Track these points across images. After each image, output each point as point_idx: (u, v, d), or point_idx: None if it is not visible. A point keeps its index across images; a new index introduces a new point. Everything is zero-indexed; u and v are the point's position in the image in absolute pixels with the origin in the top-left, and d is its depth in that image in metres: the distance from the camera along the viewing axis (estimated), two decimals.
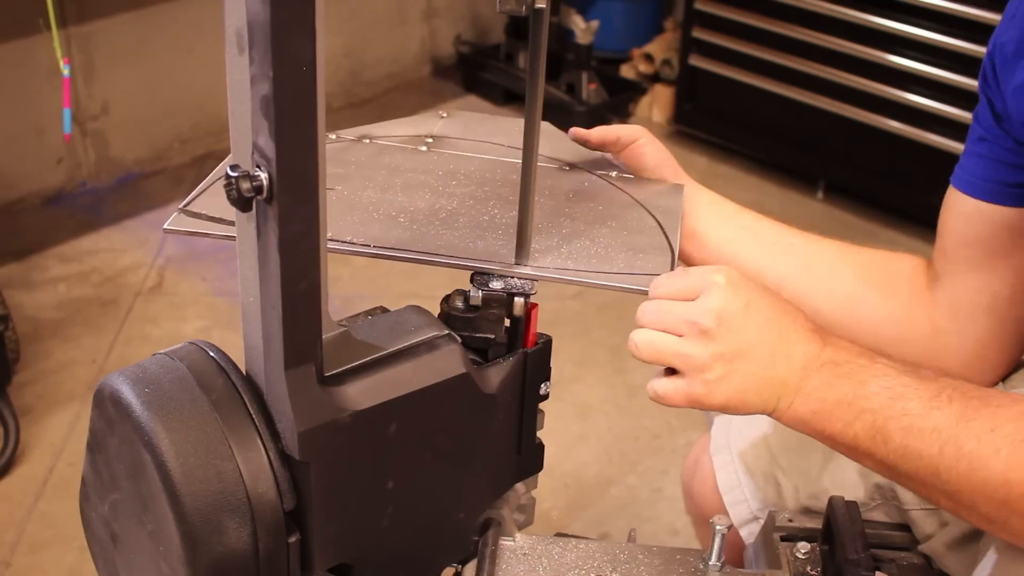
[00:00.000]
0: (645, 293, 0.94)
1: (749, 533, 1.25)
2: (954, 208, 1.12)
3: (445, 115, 1.30)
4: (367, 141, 1.23)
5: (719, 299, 0.88)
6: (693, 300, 0.89)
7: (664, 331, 0.90)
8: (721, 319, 0.87)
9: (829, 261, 1.14)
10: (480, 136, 1.24)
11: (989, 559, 1.01)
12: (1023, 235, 1.06)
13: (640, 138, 1.17)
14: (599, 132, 1.18)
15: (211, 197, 1.05)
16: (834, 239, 1.17)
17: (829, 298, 1.12)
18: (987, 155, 1.07)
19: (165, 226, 1.00)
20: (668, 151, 1.19)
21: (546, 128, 1.14)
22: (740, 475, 1.27)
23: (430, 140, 1.23)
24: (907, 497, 1.15)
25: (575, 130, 1.19)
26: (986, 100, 1.06)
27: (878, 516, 1.18)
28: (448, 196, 1.09)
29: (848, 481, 1.19)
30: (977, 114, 1.08)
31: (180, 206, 1.04)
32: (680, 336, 0.89)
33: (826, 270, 1.13)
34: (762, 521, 1.24)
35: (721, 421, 1.35)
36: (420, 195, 1.09)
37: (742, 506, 1.26)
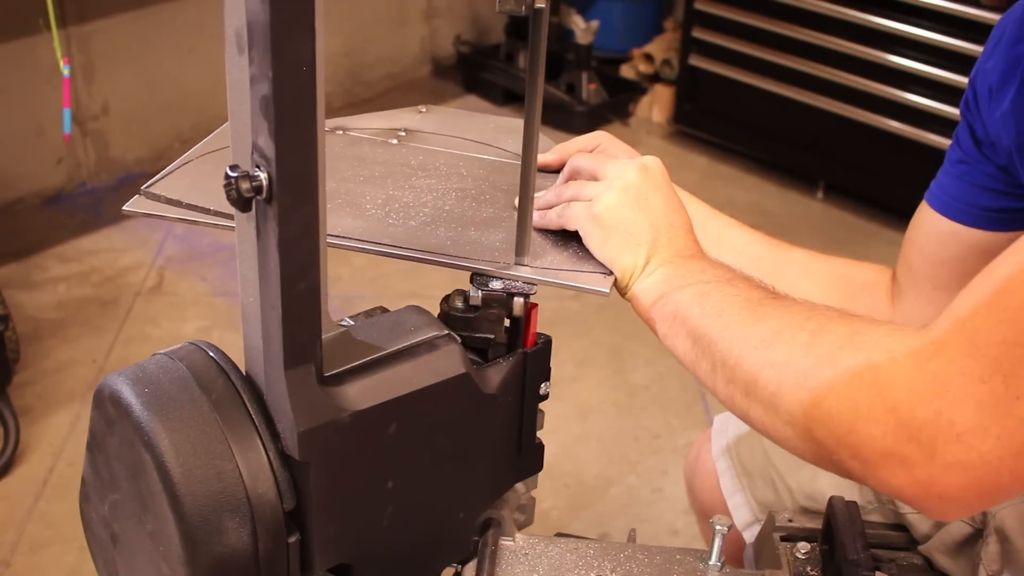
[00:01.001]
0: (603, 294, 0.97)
1: (752, 535, 1.25)
2: (926, 226, 1.11)
3: (424, 110, 1.30)
4: (340, 132, 1.23)
5: (615, 196, 0.97)
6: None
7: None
8: (612, 209, 0.97)
9: (795, 273, 1.14)
10: (454, 132, 1.24)
11: (987, 560, 1.01)
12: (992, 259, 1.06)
13: (599, 143, 1.13)
14: (557, 153, 1.14)
15: (174, 180, 1.08)
16: (802, 247, 1.16)
17: None
18: (966, 178, 1.06)
19: (124, 207, 1.03)
20: (632, 152, 1.14)
21: (516, 125, 1.13)
22: (742, 478, 1.27)
23: (403, 134, 1.23)
24: None
25: (540, 159, 1.15)
26: (967, 125, 1.05)
27: (876, 519, 1.18)
28: (411, 189, 1.10)
29: (845, 483, 1.19)
30: (957, 136, 1.08)
31: (142, 187, 1.07)
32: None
33: (791, 282, 1.10)
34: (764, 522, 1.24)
35: (720, 422, 1.35)
36: (381, 187, 1.10)
37: (744, 509, 1.27)
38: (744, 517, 1.26)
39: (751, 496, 1.26)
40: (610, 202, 0.97)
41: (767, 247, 1.15)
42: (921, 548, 1.14)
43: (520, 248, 0.97)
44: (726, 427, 1.34)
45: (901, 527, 1.17)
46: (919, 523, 1.14)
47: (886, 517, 1.18)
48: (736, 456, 1.29)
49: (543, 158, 1.14)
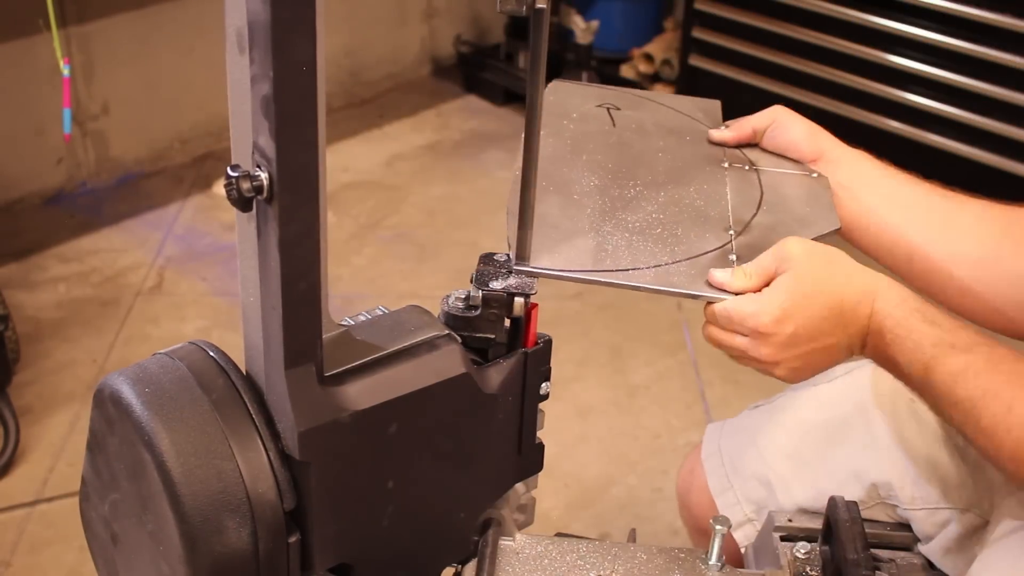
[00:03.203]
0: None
1: (744, 536, 1.24)
2: None
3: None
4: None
5: (781, 350, 0.95)
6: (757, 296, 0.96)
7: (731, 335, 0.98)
8: (779, 320, 0.94)
9: (970, 221, 1.12)
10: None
11: (987, 561, 1.01)
12: None
13: (775, 119, 1.17)
14: (735, 131, 1.18)
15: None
16: (979, 199, 1.15)
17: (963, 261, 1.10)
18: None
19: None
20: (805, 124, 1.18)
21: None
22: (731, 478, 1.26)
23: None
24: (903, 496, 1.15)
25: (713, 134, 1.19)
26: None
27: (875, 515, 1.18)
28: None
29: (844, 481, 1.19)
30: None
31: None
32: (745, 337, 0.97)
33: (964, 229, 1.11)
34: (756, 523, 1.24)
35: (713, 425, 1.35)
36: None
37: (735, 508, 1.25)
38: (735, 517, 1.25)
39: (741, 496, 1.25)
40: (786, 359, 0.96)
41: (940, 199, 1.13)
42: (921, 548, 1.14)
43: (520, 250, 0.97)
44: (718, 430, 1.33)
45: (901, 527, 1.17)
46: (920, 521, 1.14)
47: (886, 517, 1.18)
48: (726, 455, 1.28)
49: (719, 134, 1.19)
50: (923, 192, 1.13)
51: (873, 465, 1.18)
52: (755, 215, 1.08)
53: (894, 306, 0.95)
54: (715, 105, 1.28)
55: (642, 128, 1.22)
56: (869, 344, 0.96)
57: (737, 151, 1.18)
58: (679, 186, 1.12)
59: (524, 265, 0.97)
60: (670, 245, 1.03)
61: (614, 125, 1.23)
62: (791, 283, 0.94)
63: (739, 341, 0.96)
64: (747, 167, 1.16)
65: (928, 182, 1.14)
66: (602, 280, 0.98)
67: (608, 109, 1.25)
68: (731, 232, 1.05)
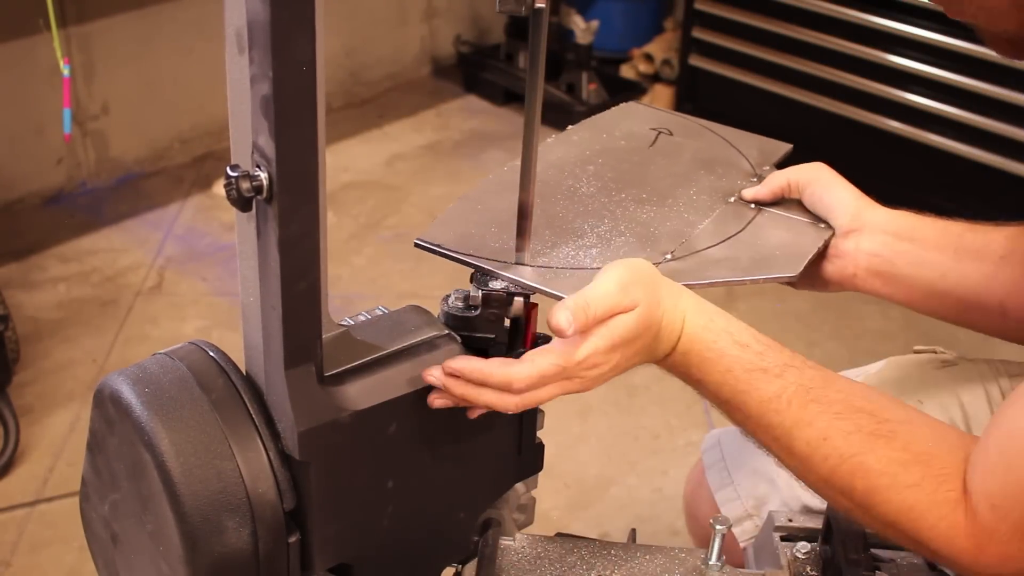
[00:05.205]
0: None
1: (743, 532, 1.24)
2: None
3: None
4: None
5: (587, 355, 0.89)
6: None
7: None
8: (609, 351, 0.90)
9: (1001, 243, 1.09)
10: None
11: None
12: None
13: (814, 182, 1.15)
14: (768, 188, 1.16)
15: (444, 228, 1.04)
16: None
17: (999, 287, 1.09)
18: None
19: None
20: (850, 191, 1.15)
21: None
22: (732, 473, 1.26)
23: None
24: None
25: (746, 194, 1.17)
26: None
27: None
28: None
29: None
30: None
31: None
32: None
33: (994, 257, 1.09)
34: (757, 520, 1.23)
35: (711, 438, 1.34)
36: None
37: (735, 504, 1.25)
38: (735, 512, 1.24)
39: (741, 491, 1.25)
40: (591, 377, 0.92)
41: (971, 234, 1.11)
42: None
43: (520, 246, 0.97)
44: (718, 432, 1.33)
45: None
46: None
47: None
48: (726, 450, 1.28)
49: (751, 192, 1.16)
50: (965, 241, 1.11)
51: None
52: (712, 246, 1.06)
53: (702, 328, 0.92)
54: (779, 147, 1.28)
55: (676, 153, 1.22)
56: (670, 363, 0.94)
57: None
58: (658, 207, 1.11)
59: (423, 239, 1.00)
60: (591, 255, 1.02)
61: (650, 146, 1.23)
62: (632, 325, 0.89)
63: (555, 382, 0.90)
64: (752, 205, 1.15)
65: (960, 219, 1.13)
66: (479, 265, 0.97)
67: (660, 133, 1.25)
68: (668, 256, 1.03)
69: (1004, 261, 1.09)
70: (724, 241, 1.07)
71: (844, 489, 0.90)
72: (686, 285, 0.97)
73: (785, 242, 1.09)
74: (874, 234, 1.12)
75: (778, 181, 1.16)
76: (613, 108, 1.33)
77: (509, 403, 0.87)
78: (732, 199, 1.15)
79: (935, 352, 1.26)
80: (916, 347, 1.28)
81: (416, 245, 1.00)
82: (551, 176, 1.15)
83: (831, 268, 1.13)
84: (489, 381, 0.87)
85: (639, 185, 1.15)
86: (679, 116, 1.32)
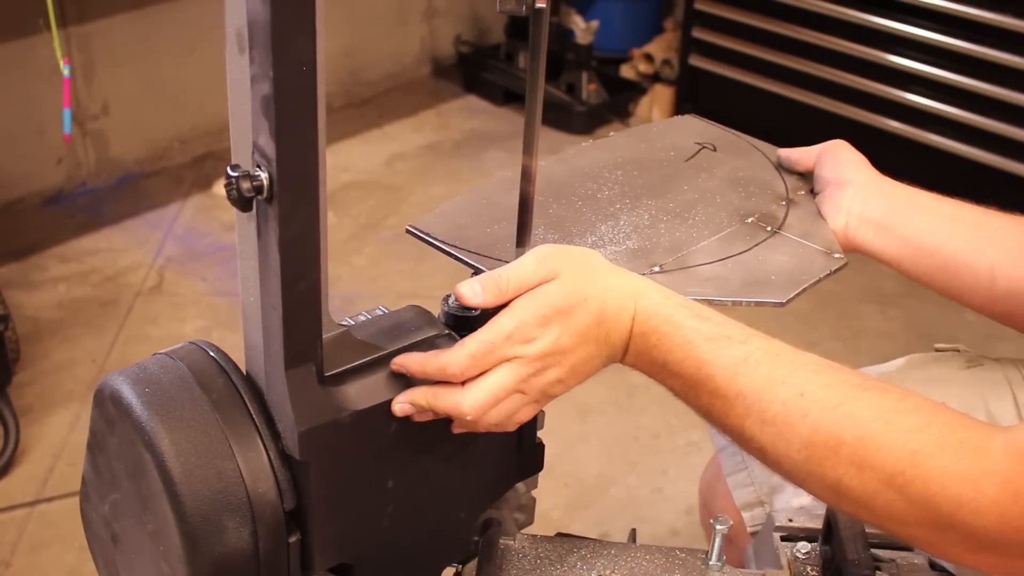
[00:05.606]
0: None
1: (752, 517, 1.23)
2: None
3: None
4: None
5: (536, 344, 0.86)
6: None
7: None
8: (541, 324, 0.85)
9: (1006, 229, 1.09)
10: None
11: None
12: None
13: (826, 150, 1.18)
14: (801, 153, 1.20)
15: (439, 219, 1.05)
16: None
17: (1002, 269, 1.08)
18: None
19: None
20: (856, 155, 1.17)
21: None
22: (745, 457, 1.25)
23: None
24: None
25: (782, 154, 1.21)
26: None
27: None
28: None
29: None
30: None
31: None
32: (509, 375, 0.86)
33: (1001, 238, 1.08)
34: (768, 507, 1.23)
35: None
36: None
37: (747, 489, 1.24)
38: (746, 498, 1.23)
39: (756, 477, 1.24)
40: (549, 368, 0.87)
41: (1005, 218, 1.11)
42: None
43: (520, 240, 0.97)
44: None
45: None
46: None
47: None
48: None
49: (788, 151, 1.21)
50: (982, 215, 1.11)
51: None
52: (707, 263, 1.05)
53: (658, 304, 0.88)
54: None
55: (711, 169, 1.21)
56: (632, 350, 0.89)
57: (780, 214, 1.15)
58: (671, 221, 1.10)
59: (415, 227, 1.02)
60: None
61: (687, 160, 1.22)
62: (557, 292, 0.86)
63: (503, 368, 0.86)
64: (768, 227, 1.11)
65: (960, 199, 1.13)
66: (463, 258, 0.99)
67: (703, 148, 1.25)
68: (655, 268, 1.02)
69: (1000, 231, 1.09)
70: (722, 260, 1.05)
71: (830, 449, 0.80)
72: None
73: (786, 268, 1.06)
74: (872, 187, 1.13)
75: (809, 154, 1.19)
76: (670, 119, 1.34)
77: (463, 406, 0.84)
78: (750, 220, 1.12)
79: (958, 351, 1.23)
80: (937, 345, 1.25)
81: (408, 231, 1.01)
82: (573, 179, 1.15)
83: (826, 215, 1.13)
84: (426, 369, 0.85)
85: (660, 197, 1.14)
86: (732, 133, 1.31)
